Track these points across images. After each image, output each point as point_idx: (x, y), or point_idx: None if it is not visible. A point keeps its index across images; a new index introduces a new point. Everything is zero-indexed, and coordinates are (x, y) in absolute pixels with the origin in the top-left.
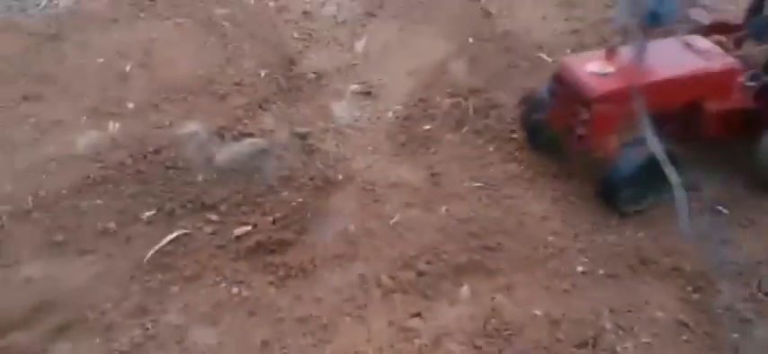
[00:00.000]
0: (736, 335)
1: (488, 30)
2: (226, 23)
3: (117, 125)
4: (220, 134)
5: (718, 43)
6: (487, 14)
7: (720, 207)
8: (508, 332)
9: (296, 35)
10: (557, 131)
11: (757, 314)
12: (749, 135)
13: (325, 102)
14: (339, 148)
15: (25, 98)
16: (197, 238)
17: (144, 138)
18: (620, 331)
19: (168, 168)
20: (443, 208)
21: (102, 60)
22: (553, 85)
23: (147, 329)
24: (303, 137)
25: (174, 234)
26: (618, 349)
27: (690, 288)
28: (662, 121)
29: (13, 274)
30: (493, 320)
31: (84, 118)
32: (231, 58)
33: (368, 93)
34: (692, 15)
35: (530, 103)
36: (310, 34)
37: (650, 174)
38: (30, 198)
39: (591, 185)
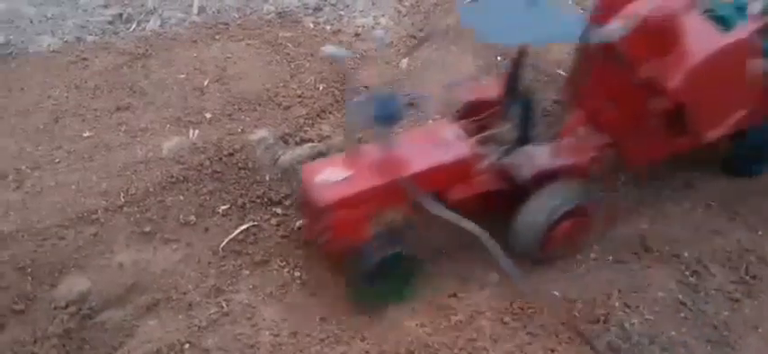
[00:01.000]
0: (726, 313)
1: (513, 50)
2: (289, 44)
3: (196, 132)
4: (285, 139)
5: (466, 127)
6: None
7: (711, 203)
8: (531, 310)
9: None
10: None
11: (745, 295)
12: (505, 210)
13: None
14: None
15: (118, 108)
16: (265, 229)
17: (220, 143)
18: (627, 309)
19: (240, 169)
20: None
21: (183, 76)
22: (300, 192)
23: (222, 307)
24: None
25: (246, 226)
26: (625, 325)
27: (687, 272)
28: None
29: (108, 260)
30: (518, 299)
31: (168, 125)
32: (294, 74)
33: (411, 104)
34: (457, 93)
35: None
36: (362, 53)
37: (394, 270)
38: (122, 194)
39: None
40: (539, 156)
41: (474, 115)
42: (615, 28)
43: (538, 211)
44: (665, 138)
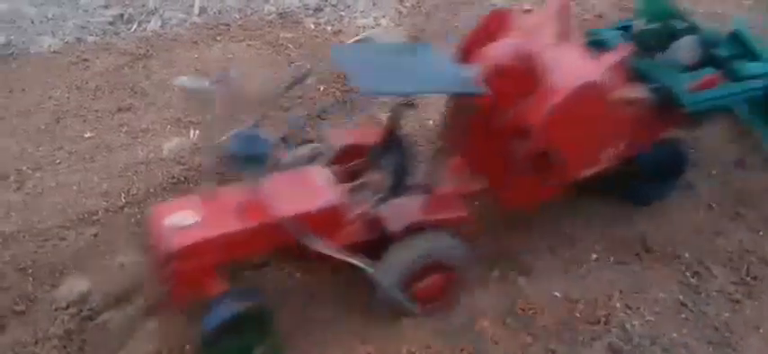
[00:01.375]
0: (727, 314)
1: None
2: (290, 45)
3: (197, 132)
4: (286, 140)
5: (338, 172)
6: None
7: (713, 204)
8: (532, 311)
9: None
10: None
11: (746, 296)
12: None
13: (374, 113)
14: None
15: (119, 109)
16: None
17: (221, 144)
18: (629, 310)
19: None
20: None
21: (184, 77)
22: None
23: None
24: None
25: None
26: (626, 326)
27: (688, 273)
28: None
29: (108, 261)
30: (519, 300)
31: (169, 126)
32: (294, 75)
33: (412, 105)
34: (331, 138)
35: None
36: None
37: (247, 328)
38: (123, 195)
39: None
40: (411, 208)
41: (347, 160)
42: (468, 75)
43: (396, 264)
44: (538, 180)
